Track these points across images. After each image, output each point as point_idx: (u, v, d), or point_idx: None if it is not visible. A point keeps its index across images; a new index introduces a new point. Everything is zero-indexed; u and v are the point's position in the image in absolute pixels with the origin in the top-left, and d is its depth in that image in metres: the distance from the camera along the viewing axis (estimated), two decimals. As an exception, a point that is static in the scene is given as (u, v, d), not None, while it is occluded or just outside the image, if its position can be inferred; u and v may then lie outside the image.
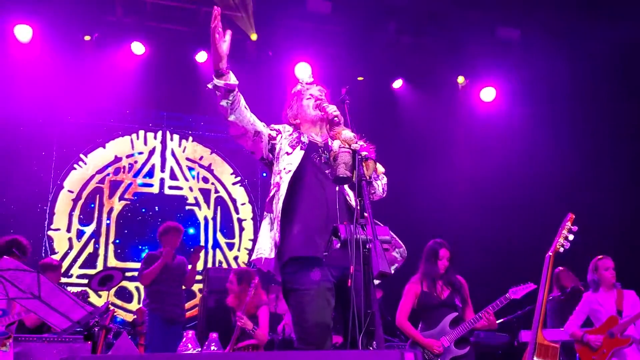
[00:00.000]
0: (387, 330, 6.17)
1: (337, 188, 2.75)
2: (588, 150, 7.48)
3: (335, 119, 2.77)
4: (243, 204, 8.62)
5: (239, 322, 4.86)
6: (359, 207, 2.43)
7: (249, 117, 2.82)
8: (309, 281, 2.62)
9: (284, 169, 2.79)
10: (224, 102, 2.72)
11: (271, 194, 2.82)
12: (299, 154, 2.81)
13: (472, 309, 4.56)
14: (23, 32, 6.95)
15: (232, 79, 2.73)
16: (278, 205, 2.72)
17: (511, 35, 7.71)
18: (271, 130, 2.93)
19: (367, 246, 2.34)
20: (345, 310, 2.61)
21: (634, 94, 7.24)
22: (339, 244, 2.41)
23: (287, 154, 2.84)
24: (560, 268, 6.12)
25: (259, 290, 5.11)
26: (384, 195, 2.92)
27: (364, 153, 2.55)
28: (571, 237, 3.76)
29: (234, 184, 8.65)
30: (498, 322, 5.62)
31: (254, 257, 2.80)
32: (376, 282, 2.31)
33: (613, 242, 6.66)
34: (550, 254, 3.77)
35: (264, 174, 8.44)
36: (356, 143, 2.59)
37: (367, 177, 2.52)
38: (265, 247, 2.74)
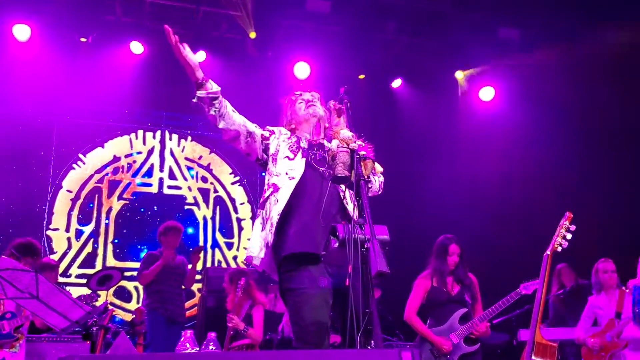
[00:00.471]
0: (386, 330, 6.17)
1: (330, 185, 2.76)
2: (587, 149, 7.48)
3: (342, 107, 2.81)
4: (242, 204, 8.62)
5: (229, 323, 4.86)
6: (357, 207, 2.43)
7: (238, 120, 2.83)
8: (306, 280, 2.62)
9: (286, 173, 2.79)
10: (212, 111, 2.74)
11: (267, 194, 2.81)
12: (301, 161, 2.82)
13: (481, 306, 4.50)
14: (21, 31, 6.93)
15: (214, 87, 2.74)
16: (275, 207, 2.72)
17: (510, 35, 7.71)
18: (264, 130, 2.95)
19: (365, 245, 2.34)
20: (344, 309, 2.61)
21: (632, 94, 7.23)
22: (337, 244, 2.41)
23: (289, 158, 2.83)
24: (562, 264, 6.16)
25: (252, 290, 5.10)
26: (380, 192, 2.92)
27: (362, 152, 2.56)
28: (569, 236, 3.76)
29: (233, 183, 8.65)
30: (496, 321, 5.63)
31: (245, 254, 2.82)
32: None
33: (615, 241, 6.66)
34: (548, 252, 3.77)
35: (263, 174, 8.43)
36: (354, 142, 2.60)
37: (365, 177, 2.53)
38: (255, 246, 2.76)
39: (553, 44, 7.47)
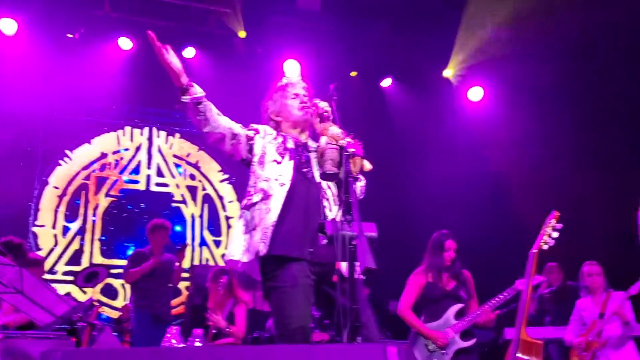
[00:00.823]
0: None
1: (320, 185, 2.74)
2: (577, 148, 7.54)
3: (325, 113, 2.78)
4: (231, 202, 8.58)
5: (210, 322, 4.84)
6: (344, 204, 2.43)
7: (223, 122, 2.79)
8: (289, 278, 2.61)
9: (276, 179, 2.73)
10: (198, 116, 2.72)
11: (255, 199, 2.73)
12: (289, 164, 2.77)
13: (477, 302, 4.49)
14: (8, 26, 6.85)
15: (198, 91, 2.72)
16: (269, 215, 2.66)
17: (500, 35, 7.75)
18: (248, 130, 2.88)
19: (353, 242, 2.34)
20: (331, 307, 2.61)
21: (625, 95, 7.28)
22: (325, 240, 2.41)
23: (277, 162, 2.78)
24: (553, 263, 6.23)
25: (234, 289, 5.08)
26: (362, 197, 2.88)
27: (351, 150, 2.55)
28: (555, 234, 3.78)
29: (221, 181, 8.61)
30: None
31: (226, 257, 2.77)
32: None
33: (604, 241, 6.72)
34: (534, 251, 3.80)
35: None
36: (343, 139, 2.59)
37: (354, 174, 2.53)
38: (237, 250, 2.71)
39: (543, 43, 7.51)
